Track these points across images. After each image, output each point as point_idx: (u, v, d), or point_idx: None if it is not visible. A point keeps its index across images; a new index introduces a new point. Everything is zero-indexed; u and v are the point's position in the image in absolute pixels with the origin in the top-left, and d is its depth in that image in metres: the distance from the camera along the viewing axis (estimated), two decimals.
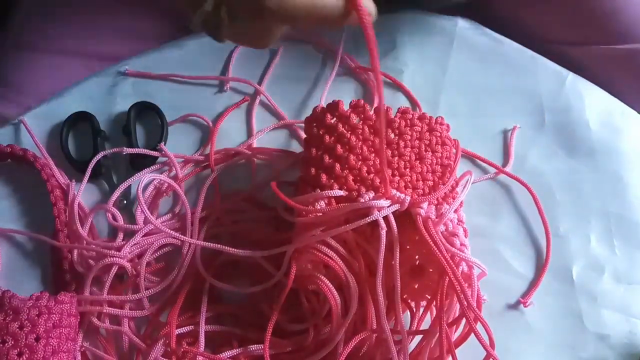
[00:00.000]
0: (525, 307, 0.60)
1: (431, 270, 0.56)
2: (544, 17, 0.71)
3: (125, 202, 0.62)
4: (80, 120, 0.65)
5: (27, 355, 0.49)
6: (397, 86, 0.67)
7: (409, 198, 0.53)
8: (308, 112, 0.62)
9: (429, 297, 0.56)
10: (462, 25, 0.70)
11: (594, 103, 0.67)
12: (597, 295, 0.61)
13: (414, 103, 0.67)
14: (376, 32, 0.68)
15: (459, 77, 0.68)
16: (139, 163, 0.64)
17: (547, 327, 0.60)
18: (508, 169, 0.64)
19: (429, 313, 0.57)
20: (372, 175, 0.55)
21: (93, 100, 0.66)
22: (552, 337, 0.60)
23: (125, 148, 0.63)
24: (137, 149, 0.63)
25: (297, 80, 0.68)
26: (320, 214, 0.53)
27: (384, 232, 0.52)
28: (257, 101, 0.67)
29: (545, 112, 0.67)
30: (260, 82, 0.67)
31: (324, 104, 0.64)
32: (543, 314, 0.60)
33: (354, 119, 0.57)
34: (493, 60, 0.69)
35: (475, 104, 0.67)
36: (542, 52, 0.69)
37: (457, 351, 0.53)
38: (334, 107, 0.57)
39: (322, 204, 0.54)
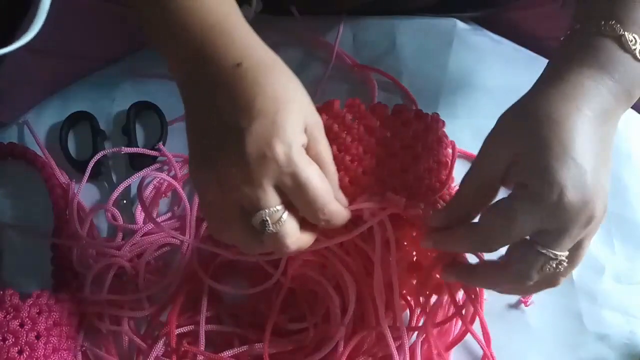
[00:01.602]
0: (526, 306, 0.60)
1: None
2: (543, 15, 0.71)
3: (124, 201, 0.62)
4: (80, 120, 0.65)
5: (27, 353, 0.49)
6: (397, 86, 0.67)
7: (404, 200, 0.52)
8: None
9: (427, 293, 0.56)
10: (461, 26, 0.70)
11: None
12: (597, 295, 0.61)
13: (413, 104, 0.67)
14: (376, 32, 0.69)
15: (458, 77, 0.68)
16: (139, 163, 0.64)
17: (547, 327, 0.60)
18: None
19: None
20: (367, 177, 0.54)
21: (93, 100, 0.66)
22: (552, 337, 0.60)
23: (124, 147, 0.63)
24: (136, 149, 0.63)
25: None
26: None
27: (378, 237, 0.52)
28: None
29: None
30: None
31: (318, 102, 0.64)
32: (543, 314, 0.60)
33: (349, 118, 0.56)
34: (492, 61, 0.69)
35: (475, 104, 0.67)
36: (541, 52, 0.69)
37: (458, 347, 0.53)
38: (329, 106, 0.57)
39: None
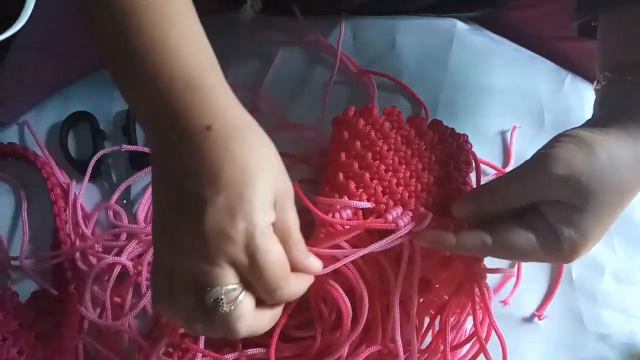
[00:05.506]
0: (540, 320, 0.60)
1: (437, 286, 0.55)
2: (543, 15, 0.71)
3: (125, 201, 0.62)
4: (80, 119, 0.65)
5: (27, 353, 0.49)
6: (399, 86, 0.67)
7: (431, 216, 0.50)
8: (307, 113, 0.62)
9: (433, 313, 0.55)
10: (461, 26, 0.70)
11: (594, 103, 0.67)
12: (597, 295, 0.61)
13: (419, 104, 0.66)
14: (376, 32, 0.69)
15: (458, 77, 0.68)
16: (139, 162, 0.64)
17: (547, 327, 0.60)
18: (509, 169, 0.64)
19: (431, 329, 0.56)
20: (401, 189, 0.53)
21: (93, 100, 0.66)
22: (552, 337, 0.60)
23: (124, 145, 0.63)
24: (136, 147, 0.63)
25: (295, 81, 0.68)
26: (348, 226, 0.51)
27: (406, 253, 0.50)
28: (256, 103, 0.66)
29: (544, 112, 0.67)
30: (259, 84, 0.67)
31: (327, 106, 0.64)
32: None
33: (387, 126, 0.55)
34: (492, 61, 0.69)
35: (475, 104, 0.67)
36: (541, 52, 0.69)
37: None
38: (367, 112, 0.55)
39: (349, 212, 0.51)
